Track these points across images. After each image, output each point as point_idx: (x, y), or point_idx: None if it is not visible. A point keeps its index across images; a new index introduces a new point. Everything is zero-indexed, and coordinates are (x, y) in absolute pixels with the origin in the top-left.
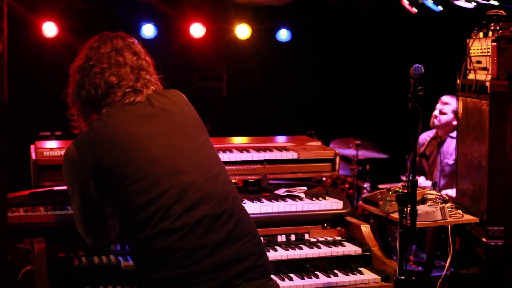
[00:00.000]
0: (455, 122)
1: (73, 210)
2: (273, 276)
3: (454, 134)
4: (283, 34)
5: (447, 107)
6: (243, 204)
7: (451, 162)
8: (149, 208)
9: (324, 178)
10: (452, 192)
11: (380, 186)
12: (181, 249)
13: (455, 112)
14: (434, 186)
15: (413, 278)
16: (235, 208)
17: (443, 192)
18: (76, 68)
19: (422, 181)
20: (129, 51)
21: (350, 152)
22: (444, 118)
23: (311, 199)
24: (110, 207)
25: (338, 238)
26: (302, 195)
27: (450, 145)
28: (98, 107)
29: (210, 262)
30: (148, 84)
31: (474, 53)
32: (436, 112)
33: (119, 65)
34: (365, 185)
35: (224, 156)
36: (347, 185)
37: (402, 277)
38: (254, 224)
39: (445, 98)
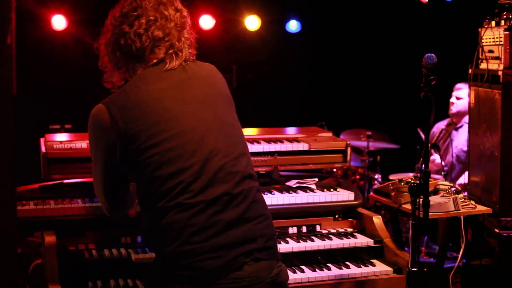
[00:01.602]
0: None
1: (93, 174)
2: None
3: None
4: (293, 25)
5: (462, 91)
6: None
7: (466, 148)
8: (171, 180)
9: (334, 170)
10: (464, 178)
11: (391, 177)
12: (192, 225)
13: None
14: (446, 177)
15: (425, 269)
16: (252, 190)
17: (458, 182)
18: (118, 14)
19: (437, 158)
20: (172, 7)
21: (360, 143)
22: (461, 103)
23: (323, 191)
24: (132, 174)
25: (350, 229)
26: (314, 186)
27: (464, 132)
28: (135, 61)
29: (219, 241)
30: (185, 45)
31: (486, 42)
32: (452, 99)
33: (166, 19)
34: (376, 176)
35: None
36: (358, 176)
37: (415, 269)
38: (267, 207)
39: (459, 85)
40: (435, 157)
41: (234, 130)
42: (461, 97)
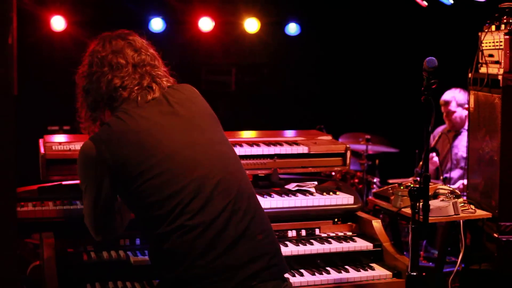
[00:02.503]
0: (465, 112)
1: (83, 205)
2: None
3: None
4: (292, 28)
5: (451, 105)
6: None
7: (466, 155)
8: (167, 204)
9: (333, 173)
10: (464, 181)
11: (390, 181)
12: (196, 247)
13: (460, 104)
14: (445, 181)
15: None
16: (251, 206)
17: (458, 183)
18: (80, 75)
19: (434, 156)
20: (130, 49)
21: (359, 146)
22: (454, 116)
23: (322, 194)
24: (128, 204)
25: (349, 233)
26: (313, 190)
27: (464, 138)
28: (109, 109)
29: (224, 261)
30: (156, 79)
31: (486, 46)
32: (445, 116)
33: (120, 66)
34: (374, 180)
35: None
36: (356, 180)
37: (415, 273)
38: (269, 222)
39: (443, 98)
40: (432, 154)
41: (225, 146)
42: (452, 109)
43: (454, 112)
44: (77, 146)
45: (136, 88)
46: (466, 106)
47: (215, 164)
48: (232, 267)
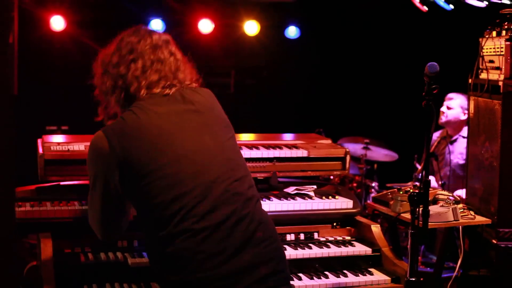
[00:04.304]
0: (463, 117)
1: (90, 201)
2: None
3: (465, 133)
4: (292, 31)
5: (453, 102)
6: None
7: (461, 162)
8: (173, 206)
9: (332, 177)
10: (462, 192)
11: (389, 186)
12: (201, 251)
13: (462, 107)
14: (443, 186)
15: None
16: (256, 213)
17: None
18: (113, 55)
19: (432, 182)
20: (167, 50)
21: (358, 150)
22: (451, 113)
23: (321, 198)
24: (132, 201)
25: (348, 237)
26: (312, 193)
27: (461, 144)
28: (130, 98)
29: (230, 266)
30: (178, 79)
31: (486, 52)
32: (443, 109)
33: (160, 62)
34: (373, 184)
35: None
36: (355, 184)
37: (413, 278)
38: (275, 228)
39: (450, 94)
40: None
41: (235, 153)
42: (452, 107)
43: (452, 109)
44: (76, 146)
45: (155, 84)
46: (466, 112)
47: (223, 169)
48: (238, 272)
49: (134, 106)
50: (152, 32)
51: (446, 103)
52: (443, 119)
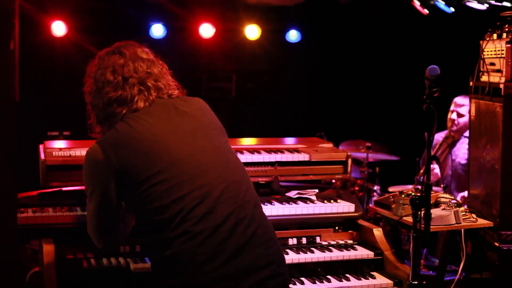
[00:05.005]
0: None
1: (88, 211)
2: None
3: (467, 133)
4: (293, 35)
5: (464, 108)
6: None
7: (463, 161)
8: (171, 209)
9: (333, 181)
10: (466, 193)
11: (390, 189)
12: (200, 254)
13: (470, 111)
14: (445, 189)
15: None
16: (255, 215)
17: (459, 195)
18: (93, 79)
19: (436, 168)
20: (143, 61)
21: (360, 154)
22: (462, 120)
23: (323, 202)
24: (132, 208)
25: (350, 241)
26: (314, 197)
27: (463, 144)
28: (123, 113)
29: (229, 269)
30: (165, 90)
31: (487, 54)
32: (453, 116)
33: (147, 74)
34: (375, 188)
35: None
36: (356, 188)
37: (415, 282)
38: (274, 231)
39: (459, 100)
40: (434, 166)
41: (232, 155)
42: (463, 114)
43: (463, 115)
44: (78, 152)
45: (143, 97)
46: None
47: (220, 172)
48: (237, 274)
49: (126, 117)
50: (125, 46)
51: (457, 109)
52: (454, 128)
